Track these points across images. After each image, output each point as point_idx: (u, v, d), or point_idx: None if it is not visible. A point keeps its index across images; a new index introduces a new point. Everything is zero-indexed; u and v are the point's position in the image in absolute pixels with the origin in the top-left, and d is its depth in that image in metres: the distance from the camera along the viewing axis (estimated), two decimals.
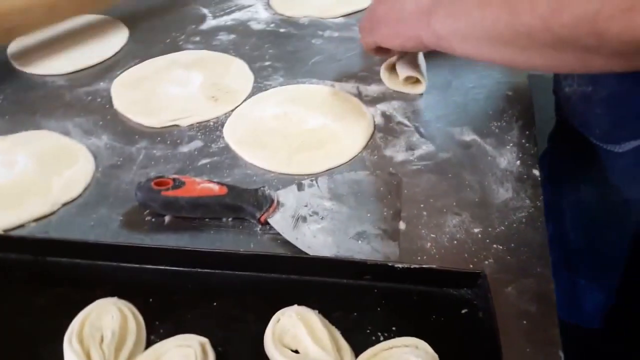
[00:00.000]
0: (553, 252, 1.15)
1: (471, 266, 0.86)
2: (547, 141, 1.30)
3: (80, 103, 1.21)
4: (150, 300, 0.81)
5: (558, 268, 1.19)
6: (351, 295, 0.81)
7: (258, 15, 1.52)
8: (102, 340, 0.73)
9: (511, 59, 0.84)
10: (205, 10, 1.55)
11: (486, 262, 0.87)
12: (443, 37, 0.94)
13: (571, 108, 1.11)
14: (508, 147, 1.07)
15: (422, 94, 1.20)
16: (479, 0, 0.84)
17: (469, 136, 1.10)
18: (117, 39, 1.42)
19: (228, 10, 1.54)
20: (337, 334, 0.75)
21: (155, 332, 0.77)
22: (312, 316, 0.75)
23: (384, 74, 1.26)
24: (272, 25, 1.48)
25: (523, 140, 1.08)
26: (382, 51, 1.17)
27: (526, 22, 0.75)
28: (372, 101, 1.19)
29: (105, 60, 1.35)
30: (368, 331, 0.76)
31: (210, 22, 1.49)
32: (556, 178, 1.23)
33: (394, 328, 0.76)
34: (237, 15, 1.52)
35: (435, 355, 0.72)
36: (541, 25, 0.73)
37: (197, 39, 1.43)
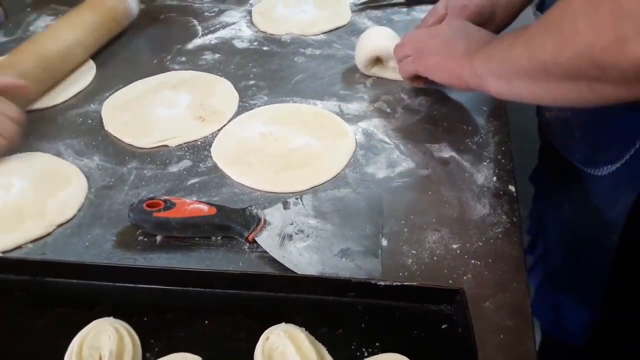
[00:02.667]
0: (539, 269, 1.19)
1: (450, 282, 0.90)
2: (537, 158, 1.33)
3: (72, 125, 1.24)
4: (145, 319, 0.83)
5: (543, 285, 1.23)
6: (336, 312, 0.85)
7: (242, 33, 1.55)
8: (100, 359, 0.76)
9: (536, 93, 0.89)
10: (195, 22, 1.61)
11: (465, 278, 0.91)
12: (480, 76, 1.01)
13: (552, 132, 1.14)
14: (485, 163, 1.10)
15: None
16: (509, 42, 0.91)
17: (447, 153, 1.13)
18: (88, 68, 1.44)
19: (212, 28, 1.58)
20: (324, 350, 0.78)
21: (151, 350, 0.80)
22: (299, 334, 0.77)
23: (366, 67, 1.33)
24: (256, 43, 1.51)
25: (499, 157, 1.12)
26: (418, 80, 1.23)
27: (541, 58, 0.82)
28: (353, 119, 1.23)
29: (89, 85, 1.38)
30: (353, 347, 0.79)
31: (195, 42, 1.52)
32: (543, 195, 1.26)
33: (377, 344, 0.80)
34: (222, 33, 1.56)
35: None
36: (551, 61, 0.80)
37: (183, 59, 1.46)
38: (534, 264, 1.30)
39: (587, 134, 1.04)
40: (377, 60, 1.34)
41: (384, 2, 1.64)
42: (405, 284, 0.85)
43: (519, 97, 0.94)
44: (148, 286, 0.88)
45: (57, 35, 1.36)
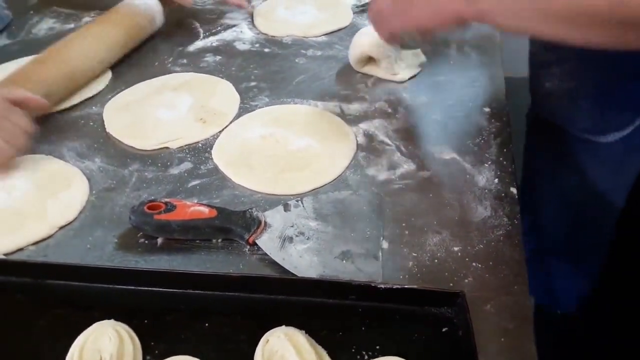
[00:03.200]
0: (529, 242, 1.18)
1: (451, 285, 0.90)
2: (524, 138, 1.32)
3: (73, 127, 1.25)
4: (146, 321, 0.84)
5: (534, 256, 1.21)
6: (337, 314, 0.85)
7: (243, 36, 1.56)
8: None
9: (565, 34, 0.84)
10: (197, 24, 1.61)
11: (466, 281, 0.91)
12: (487, 12, 0.93)
13: (551, 104, 1.13)
14: (486, 165, 1.11)
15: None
16: None
17: (449, 154, 1.13)
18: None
19: (214, 30, 1.58)
20: (324, 353, 0.78)
21: (151, 352, 0.80)
22: (299, 337, 0.78)
23: (358, 64, 1.34)
24: (257, 45, 1.52)
25: (501, 158, 1.12)
26: (396, 39, 1.16)
27: (591, 2, 0.76)
28: (354, 120, 1.23)
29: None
30: (353, 350, 0.80)
31: (197, 44, 1.53)
32: (533, 171, 1.25)
33: (377, 347, 0.80)
34: (223, 35, 1.56)
35: None
36: (607, 8, 0.75)
37: (185, 61, 1.46)
38: (524, 235, 1.29)
39: (595, 102, 1.02)
40: (370, 59, 1.34)
41: None
42: (405, 286, 0.85)
43: (539, 35, 0.90)
44: (149, 289, 0.89)
45: (82, 51, 1.35)
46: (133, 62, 1.47)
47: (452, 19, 1.01)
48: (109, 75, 1.42)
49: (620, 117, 0.99)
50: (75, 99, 1.33)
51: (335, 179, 1.10)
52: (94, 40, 1.39)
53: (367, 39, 1.32)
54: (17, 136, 1.10)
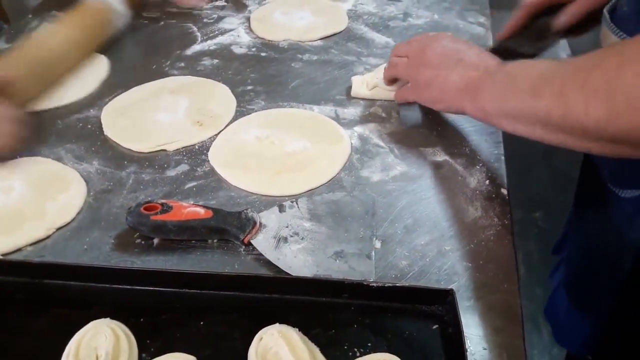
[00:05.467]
0: (560, 271, 1.18)
1: (442, 283, 0.91)
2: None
3: (72, 130, 1.26)
4: (141, 319, 0.85)
5: (559, 289, 1.21)
6: (329, 312, 0.86)
7: (240, 40, 1.57)
8: (97, 359, 0.78)
9: (565, 143, 0.87)
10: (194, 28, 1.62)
11: (456, 279, 0.92)
12: (491, 115, 0.99)
13: None
14: (477, 167, 1.12)
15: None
16: (530, 89, 0.88)
17: (441, 157, 1.15)
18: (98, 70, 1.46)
19: (211, 34, 1.59)
20: (316, 350, 0.79)
21: (147, 350, 0.81)
22: (292, 334, 0.79)
23: (360, 89, 1.33)
24: (254, 49, 1.53)
25: (492, 160, 1.13)
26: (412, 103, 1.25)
27: (581, 121, 0.79)
28: (349, 124, 1.25)
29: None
30: (345, 347, 0.81)
31: (194, 48, 1.54)
32: (577, 201, 1.25)
33: (369, 344, 0.81)
34: (220, 39, 1.57)
35: None
36: (595, 128, 0.78)
37: (182, 64, 1.47)
38: (558, 265, 1.30)
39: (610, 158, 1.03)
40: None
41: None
42: (396, 284, 0.87)
43: (542, 141, 0.91)
44: (145, 288, 0.90)
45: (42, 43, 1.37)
46: (131, 65, 1.48)
47: (457, 112, 1.09)
48: (104, 63, 1.45)
49: (634, 176, 0.99)
50: (74, 94, 1.35)
51: (329, 181, 1.11)
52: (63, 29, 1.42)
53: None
54: (4, 128, 1.12)
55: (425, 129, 1.21)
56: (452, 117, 1.24)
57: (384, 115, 1.27)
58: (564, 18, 1.17)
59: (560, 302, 1.22)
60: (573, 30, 1.20)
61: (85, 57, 1.45)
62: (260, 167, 1.13)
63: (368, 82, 1.32)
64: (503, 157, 1.14)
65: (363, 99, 1.33)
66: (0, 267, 0.93)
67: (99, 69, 1.46)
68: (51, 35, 1.39)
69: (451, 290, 0.84)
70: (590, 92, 0.76)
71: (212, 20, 1.66)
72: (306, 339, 0.80)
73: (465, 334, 0.79)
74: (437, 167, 1.13)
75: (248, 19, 1.66)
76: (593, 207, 1.15)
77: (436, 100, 1.14)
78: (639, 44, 0.73)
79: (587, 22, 1.19)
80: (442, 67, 1.10)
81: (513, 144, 1.19)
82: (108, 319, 0.83)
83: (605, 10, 1.00)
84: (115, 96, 1.35)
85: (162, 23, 1.66)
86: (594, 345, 1.16)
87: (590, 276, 1.17)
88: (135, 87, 1.38)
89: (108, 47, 1.52)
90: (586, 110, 0.77)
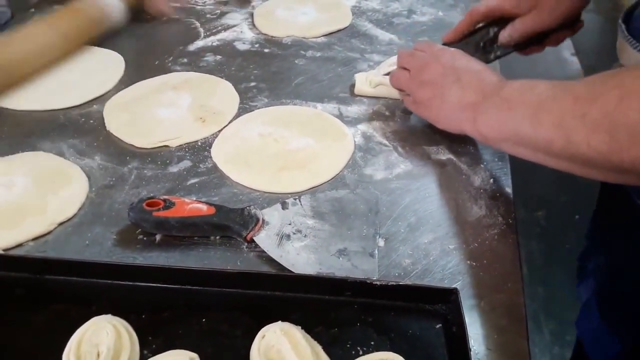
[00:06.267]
0: (590, 283, 1.16)
1: (446, 282, 0.91)
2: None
3: (74, 125, 1.25)
4: (143, 316, 0.85)
5: (590, 301, 1.20)
6: (332, 310, 0.86)
7: (243, 36, 1.57)
8: (98, 356, 0.77)
9: (568, 169, 0.87)
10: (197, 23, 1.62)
11: (460, 278, 0.92)
12: (490, 138, 1.00)
13: None
14: (482, 165, 1.12)
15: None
16: (530, 117, 0.88)
17: (445, 155, 1.15)
18: (113, 70, 1.44)
19: (214, 30, 1.59)
20: (319, 348, 0.79)
21: (148, 347, 0.81)
22: (295, 332, 0.79)
23: (363, 87, 1.32)
24: (257, 45, 1.53)
25: (496, 159, 1.13)
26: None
27: (583, 152, 0.79)
28: (352, 122, 1.24)
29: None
30: (348, 345, 0.81)
31: (197, 43, 1.54)
32: (604, 211, 1.24)
33: (372, 342, 0.81)
34: (223, 35, 1.57)
35: None
36: (599, 158, 0.78)
37: (185, 60, 1.47)
38: (586, 276, 1.28)
39: None
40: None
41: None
42: (400, 283, 0.86)
43: (543, 164, 0.92)
44: (146, 284, 0.89)
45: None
46: (133, 61, 1.47)
47: (457, 132, 1.09)
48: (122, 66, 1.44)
49: None
50: (89, 94, 1.34)
51: (333, 178, 1.11)
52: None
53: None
54: None
55: (429, 127, 1.20)
56: None
57: (387, 113, 1.26)
58: (507, 32, 1.18)
59: (592, 316, 1.20)
60: (521, 46, 1.22)
61: (72, 52, 1.43)
62: (263, 164, 1.13)
63: (371, 80, 1.31)
64: (507, 156, 1.13)
65: (366, 96, 1.32)
66: (1, 262, 0.92)
67: (114, 66, 1.45)
68: (27, 33, 1.37)
69: (455, 289, 0.84)
70: (591, 124, 0.77)
71: (215, 16, 1.65)
72: (309, 337, 0.80)
73: (468, 333, 0.79)
74: (441, 165, 1.13)
75: (251, 15, 1.65)
76: (616, 221, 1.14)
77: (434, 120, 1.14)
78: (639, 75, 0.73)
79: (538, 41, 1.20)
80: (440, 88, 1.09)
81: None
82: (109, 315, 0.82)
83: (620, 21, 1.00)
84: (118, 92, 1.35)
85: (164, 19, 1.65)
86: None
87: (619, 293, 1.15)
88: (137, 83, 1.37)
89: (110, 42, 1.51)
90: (588, 142, 0.77)
